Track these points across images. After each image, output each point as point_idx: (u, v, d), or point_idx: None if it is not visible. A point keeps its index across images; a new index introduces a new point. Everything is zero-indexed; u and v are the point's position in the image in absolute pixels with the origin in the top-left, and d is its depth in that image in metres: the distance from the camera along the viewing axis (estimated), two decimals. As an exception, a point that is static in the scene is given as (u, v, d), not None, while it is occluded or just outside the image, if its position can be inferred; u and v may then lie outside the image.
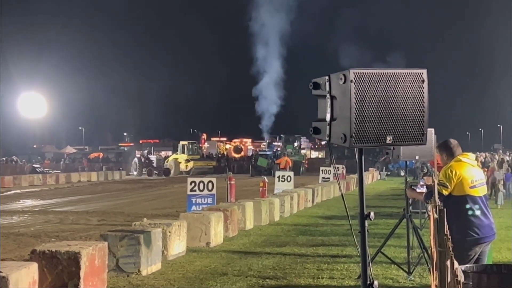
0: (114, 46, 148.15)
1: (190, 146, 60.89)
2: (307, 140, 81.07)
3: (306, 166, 61.28)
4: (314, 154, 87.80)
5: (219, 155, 69.68)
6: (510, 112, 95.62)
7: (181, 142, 61.86)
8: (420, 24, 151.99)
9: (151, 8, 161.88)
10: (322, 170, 33.13)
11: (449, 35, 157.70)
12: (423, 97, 3.95)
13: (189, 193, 17.92)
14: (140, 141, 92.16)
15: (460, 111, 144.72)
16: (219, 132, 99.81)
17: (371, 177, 44.56)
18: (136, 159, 61.32)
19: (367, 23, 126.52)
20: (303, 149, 75.64)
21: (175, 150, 64.31)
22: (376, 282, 4.03)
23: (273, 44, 75.13)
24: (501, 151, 60.92)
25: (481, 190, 6.98)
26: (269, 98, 75.69)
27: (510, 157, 36.56)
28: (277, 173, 28.13)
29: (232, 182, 20.45)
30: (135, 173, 58.82)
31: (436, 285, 4.52)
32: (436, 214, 4.43)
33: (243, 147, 75.05)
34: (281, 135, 64.19)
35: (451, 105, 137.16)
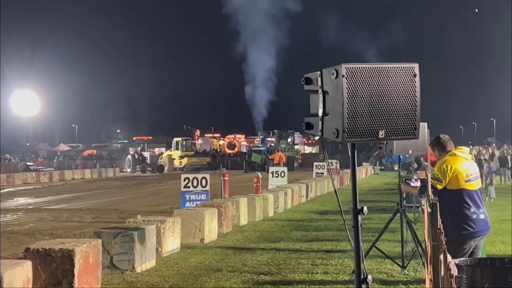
0: (107, 44, 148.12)
1: (184, 142, 60.85)
2: (301, 135, 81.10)
3: (300, 161, 61.34)
4: (308, 149, 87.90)
5: (213, 151, 69.60)
6: (503, 105, 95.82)
7: (175, 139, 61.81)
8: (414, 17, 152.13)
9: (143, 4, 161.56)
10: (315, 165, 33.15)
11: (442, 28, 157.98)
12: (415, 91, 3.95)
13: (183, 189, 17.91)
14: (134, 138, 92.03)
15: (453, 104, 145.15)
16: (212, 128, 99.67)
17: (365, 171, 44.61)
18: (129, 156, 61.27)
19: (359, 14, 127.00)
20: (297, 144, 75.69)
21: (168, 147, 64.28)
22: (370, 277, 4.04)
23: (264, 40, 75.21)
24: (494, 145, 61.07)
25: (476, 184, 6.99)
26: (262, 94, 75.78)
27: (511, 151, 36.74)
28: (271, 169, 28.15)
29: (226, 178, 20.44)
30: (128, 170, 58.77)
31: (430, 279, 4.53)
32: (430, 208, 4.43)
33: (236, 143, 74.94)
34: (275, 130, 64.18)
35: (444, 99, 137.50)
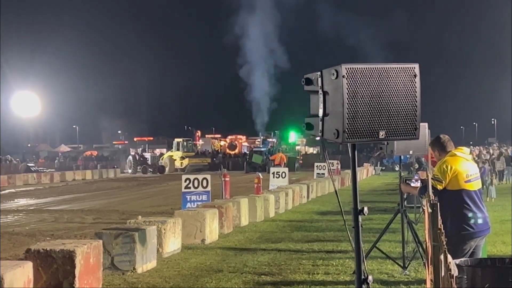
0: (108, 45, 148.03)
1: (185, 143, 60.84)
2: (302, 136, 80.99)
3: (301, 162, 61.30)
4: (309, 150, 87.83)
5: (214, 152, 69.57)
6: (504, 105, 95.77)
7: (176, 139, 61.80)
8: (414, 17, 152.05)
9: (143, 5, 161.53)
10: (316, 166, 33.14)
11: (443, 28, 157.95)
12: (416, 92, 3.95)
13: (183, 190, 17.90)
14: (135, 139, 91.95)
15: (454, 105, 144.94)
16: (213, 129, 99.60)
17: (366, 172, 44.61)
18: (130, 157, 61.35)
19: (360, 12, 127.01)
20: (298, 145, 75.62)
21: (169, 148, 64.30)
22: (370, 277, 4.04)
23: (265, 40, 75.24)
24: (495, 145, 60.99)
25: (476, 184, 6.97)
26: (263, 94, 75.77)
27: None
28: (272, 169, 28.16)
29: (227, 179, 20.44)
30: (129, 171, 58.82)
31: (430, 279, 4.53)
32: (430, 209, 4.43)
33: (237, 143, 74.89)
34: (276, 131, 64.14)
35: (445, 99, 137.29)
